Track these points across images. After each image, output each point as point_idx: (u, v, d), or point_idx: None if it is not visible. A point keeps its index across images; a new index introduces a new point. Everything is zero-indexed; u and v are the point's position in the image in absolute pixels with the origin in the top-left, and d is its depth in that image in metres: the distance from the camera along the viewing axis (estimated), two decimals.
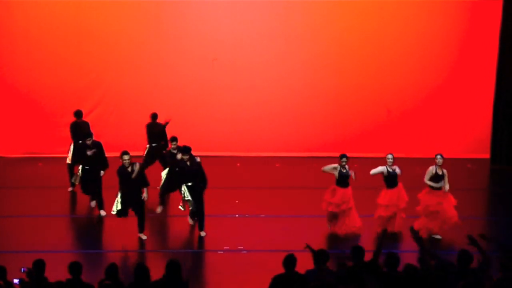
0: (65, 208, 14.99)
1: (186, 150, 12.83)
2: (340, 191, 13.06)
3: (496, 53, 18.31)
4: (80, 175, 14.22)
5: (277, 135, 18.84)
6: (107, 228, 13.62)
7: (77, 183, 14.63)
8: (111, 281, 7.88)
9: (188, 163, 12.84)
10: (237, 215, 14.26)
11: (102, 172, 14.08)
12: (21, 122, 18.45)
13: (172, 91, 18.55)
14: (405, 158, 16.81)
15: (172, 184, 13.82)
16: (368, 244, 9.94)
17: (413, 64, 18.72)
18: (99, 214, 14.03)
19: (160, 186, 14.21)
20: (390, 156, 13.18)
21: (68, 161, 15.40)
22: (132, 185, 12.54)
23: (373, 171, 13.23)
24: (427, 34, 18.56)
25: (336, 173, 13.08)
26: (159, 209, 13.49)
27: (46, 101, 18.41)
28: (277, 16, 18.56)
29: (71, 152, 15.26)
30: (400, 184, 13.22)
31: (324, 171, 13.21)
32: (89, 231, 13.66)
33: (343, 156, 13.10)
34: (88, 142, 13.93)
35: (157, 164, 15.55)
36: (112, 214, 12.85)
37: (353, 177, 13.07)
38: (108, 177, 13.81)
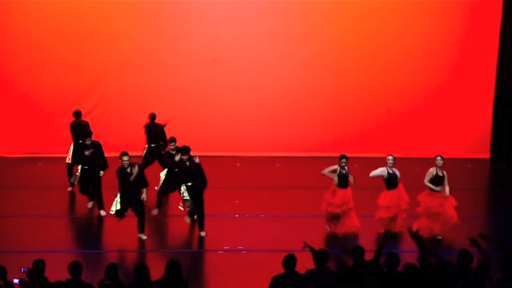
0: (65, 208, 14.99)
1: (185, 150, 12.82)
2: (341, 192, 13.06)
3: (496, 53, 18.31)
4: (79, 175, 14.22)
5: (277, 135, 18.84)
6: (107, 228, 13.62)
7: (76, 183, 14.64)
8: (111, 281, 7.88)
9: (187, 163, 12.84)
10: (237, 215, 14.26)
11: (101, 172, 14.09)
12: (21, 122, 18.46)
13: (172, 91, 18.55)
14: (405, 158, 16.84)
15: (170, 186, 13.81)
16: (367, 244, 9.93)
17: (413, 64, 18.72)
18: (99, 214, 14.04)
19: (159, 187, 14.19)
20: (390, 157, 13.16)
21: (68, 160, 15.40)
22: (131, 185, 12.54)
23: (372, 174, 13.21)
24: (427, 34, 18.56)
25: (335, 176, 13.06)
26: (154, 212, 13.51)
27: (46, 101, 18.41)
28: (277, 16, 18.56)
29: (71, 151, 15.27)
30: (400, 185, 13.21)
31: (324, 175, 13.21)
32: (89, 231, 13.67)
33: (342, 157, 13.09)
34: (87, 142, 13.94)
35: (156, 164, 15.55)
36: (111, 214, 12.86)
37: (352, 182, 13.09)
38: (108, 177, 13.81)
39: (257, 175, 17.51)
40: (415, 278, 7.81)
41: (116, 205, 12.66)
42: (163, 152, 14.94)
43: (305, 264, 8.38)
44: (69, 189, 15.48)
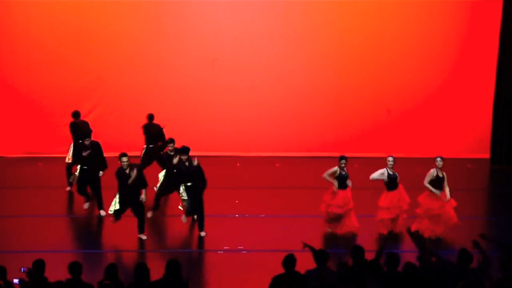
0: (65, 208, 14.99)
1: (184, 150, 12.82)
2: (341, 193, 13.05)
3: (496, 53, 18.30)
4: (78, 175, 14.20)
5: (277, 135, 18.84)
6: (107, 228, 13.60)
7: (74, 183, 14.62)
8: (111, 281, 7.88)
9: (186, 163, 12.83)
10: (237, 215, 14.26)
11: (101, 172, 14.08)
12: (21, 122, 18.45)
13: (172, 91, 18.54)
14: (405, 158, 16.83)
15: (169, 187, 13.79)
16: (367, 244, 9.92)
17: (413, 64, 18.71)
18: (99, 214, 14.03)
19: (157, 188, 14.16)
20: (390, 158, 13.14)
21: (68, 160, 15.38)
22: (130, 186, 12.53)
23: (372, 177, 13.17)
24: (427, 34, 18.55)
25: (335, 180, 13.02)
26: (149, 214, 13.47)
27: (46, 101, 18.40)
28: (277, 16, 18.55)
29: (71, 151, 15.26)
30: (400, 186, 13.20)
31: (325, 179, 13.18)
32: (88, 231, 13.67)
33: (342, 158, 13.08)
34: (86, 142, 13.92)
35: (154, 165, 15.52)
36: (110, 214, 12.87)
37: (350, 185, 13.09)
38: (107, 177, 13.80)
39: (257, 175, 17.50)
40: (415, 278, 7.82)
41: (114, 205, 12.66)
42: (162, 153, 14.91)
43: (305, 264, 8.39)
44: (68, 188, 15.47)
